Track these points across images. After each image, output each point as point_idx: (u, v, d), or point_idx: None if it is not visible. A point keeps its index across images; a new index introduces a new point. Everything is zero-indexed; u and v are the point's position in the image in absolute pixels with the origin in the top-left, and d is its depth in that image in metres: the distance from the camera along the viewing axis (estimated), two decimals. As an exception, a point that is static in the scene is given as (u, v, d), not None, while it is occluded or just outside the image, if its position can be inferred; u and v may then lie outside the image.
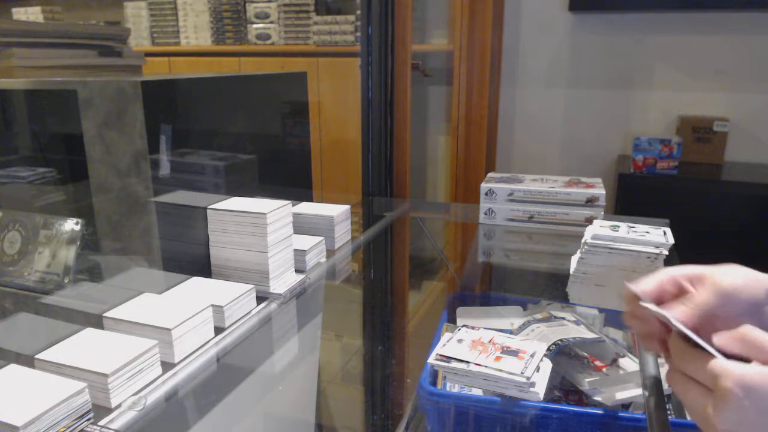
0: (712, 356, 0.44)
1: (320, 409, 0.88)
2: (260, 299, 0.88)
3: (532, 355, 0.64)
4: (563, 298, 0.87)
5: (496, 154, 2.54)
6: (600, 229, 0.87)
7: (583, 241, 0.87)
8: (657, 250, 0.82)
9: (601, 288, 0.84)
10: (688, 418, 0.63)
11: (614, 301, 0.83)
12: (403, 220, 1.56)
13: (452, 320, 0.88)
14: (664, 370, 0.53)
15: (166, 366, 0.70)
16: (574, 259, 0.88)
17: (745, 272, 0.51)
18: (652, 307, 0.49)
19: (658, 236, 0.84)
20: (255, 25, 2.77)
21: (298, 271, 0.97)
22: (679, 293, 0.52)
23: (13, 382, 0.59)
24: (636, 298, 0.52)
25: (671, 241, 0.84)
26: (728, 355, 0.44)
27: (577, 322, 0.79)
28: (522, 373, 0.61)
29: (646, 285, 0.52)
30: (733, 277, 0.50)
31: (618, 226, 0.88)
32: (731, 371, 0.41)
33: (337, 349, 1.02)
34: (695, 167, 2.16)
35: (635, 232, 0.86)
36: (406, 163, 1.68)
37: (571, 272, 0.87)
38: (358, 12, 2.46)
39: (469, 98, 2.32)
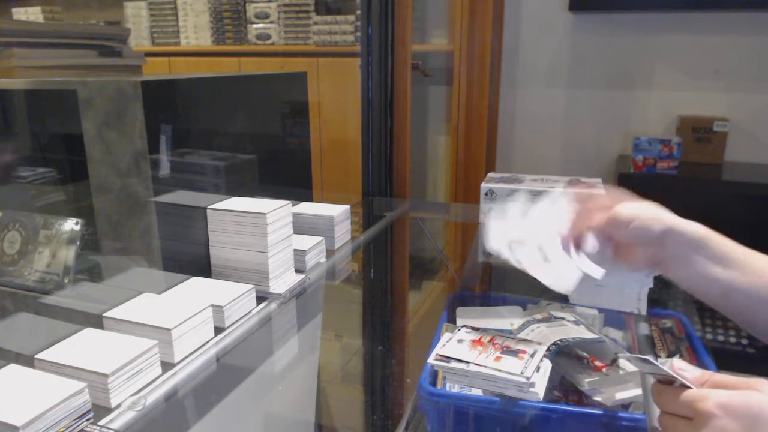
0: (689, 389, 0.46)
1: (320, 409, 0.88)
2: (260, 299, 0.87)
3: (532, 355, 0.64)
4: (563, 298, 0.87)
5: (496, 154, 2.54)
6: (600, 229, 0.87)
7: (583, 241, 0.87)
8: (657, 250, 0.82)
9: (601, 288, 0.84)
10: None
11: (614, 301, 0.83)
12: (403, 220, 1.56)
13: (452, 320, 0.88)
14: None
15: (166, 366, 0.69)
16: (574, 259, 0.87)
17: (649, 208, 0.60)
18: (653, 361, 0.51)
19: (658, 236, 0.84)
20: (255, 25, 2.77)
21: (298, 271, 0.97)
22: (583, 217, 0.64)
23: (13, 382, 0.59)
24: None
25: (671, 241, 0.84)
26: None
27: (577, 322, 0.79)
28: (522, 373, 0.60)
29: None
30: (632, 208, 0.60)
31: (618, 226, 0.88)
32: (708, 395, 0.44)
33: (337, 349, 1.02)
34: (695, 167, 2.16)
35: (635, 232, 0.86)
36: (406, 163, 1.68)
37: (571, 272, 0.86)
38: (358, 12, 2.46)
39: (469, 98, 2.32)
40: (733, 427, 0.42)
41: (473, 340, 0.67)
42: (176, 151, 0.93)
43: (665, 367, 0.48)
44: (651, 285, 0.77)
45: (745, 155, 2.23)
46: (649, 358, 0.50)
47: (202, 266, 0.91)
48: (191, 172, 0.99)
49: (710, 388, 0.45)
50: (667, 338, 0.80)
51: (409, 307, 1.20)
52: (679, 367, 0.48)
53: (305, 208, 1.13)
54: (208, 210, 0.89)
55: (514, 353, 0.64)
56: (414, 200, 1.81)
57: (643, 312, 0.79)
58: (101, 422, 0.59)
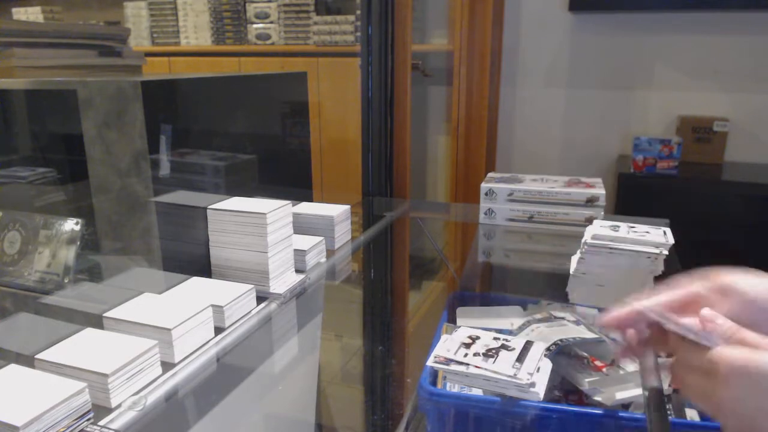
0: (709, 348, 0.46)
1: (320, 409, 0.88)
2: (260, 299, 0.87)
3: (532, 355, 0.64)
4: (563, 298, 0.87)
5: (496, 154, 2.54)
6: (600, 229, 0.87)
7: (583, 241, 0.87)
8: (657, 250, 0.82)
9: (601, 288, 0.84)
10: (687, 417, 0.63)
11: (614, 301, 0.83)
12: (403, 220, 1.56)
13: (452, 320, 0.88)
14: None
15: (166, 366, 0.70)
16: (574, 259, 0.88)
17: (762, 278, 0.51)
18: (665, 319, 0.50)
19: (658, 236, 0.84)
20: (255, 25, 2.77)
21: (298, 271, 0.97)
22: (692, 303, 0.51)
23: (13, 382, 0.59)
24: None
25: (671, 241, 0.84)
26: None
27: (577, 322, 0.79)
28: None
29: (660, 299, 0.52)
30: (756, 284, 0.50)
31: (618, 226, 0.88)
32: (730, 356, 0.44)
33: (337, 349, 1.02)
34: (695, 167, 2.16)
35: (635, 232, 0.86)
36: (406, 163, 1.68)
37: (571, 272, 0.87)
38: (358, 12, 2.46)
39: (469, 98, 2.32)
40: (752, 391, 0.42)
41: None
42: (176, 151, 0.93)
43: (693, 328, 0.47)
44: (652, 285, 0.77)
45: (745, 155, 2.23)
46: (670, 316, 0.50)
47: (202, 266, 0.91)
48: (191, 172, 0.99)
49: (733, 346, 0.44)
50: (667, 338, 0.80)
51: (409, 307, 1.20)
52: (708, 315, 0.47)
53: (305, 208, 1.13)
54: (208, 210, 0.89)
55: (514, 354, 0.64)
56: (414, 200, 1.81)
57: (644, 312, 0.79)
58: (101, 422, 0.59)
